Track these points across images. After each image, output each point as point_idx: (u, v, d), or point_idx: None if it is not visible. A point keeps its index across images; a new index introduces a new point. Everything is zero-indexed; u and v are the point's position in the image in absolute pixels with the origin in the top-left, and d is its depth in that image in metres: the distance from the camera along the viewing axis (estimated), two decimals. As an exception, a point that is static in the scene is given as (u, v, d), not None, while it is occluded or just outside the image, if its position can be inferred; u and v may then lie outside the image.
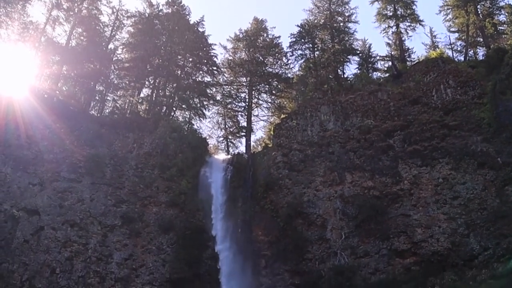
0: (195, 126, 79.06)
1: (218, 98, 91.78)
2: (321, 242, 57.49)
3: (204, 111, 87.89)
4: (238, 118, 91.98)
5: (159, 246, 59.63)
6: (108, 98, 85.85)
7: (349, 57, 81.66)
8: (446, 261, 51.42)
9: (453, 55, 76.60)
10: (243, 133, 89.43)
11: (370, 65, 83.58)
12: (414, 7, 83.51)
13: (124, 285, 56.02)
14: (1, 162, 58.88)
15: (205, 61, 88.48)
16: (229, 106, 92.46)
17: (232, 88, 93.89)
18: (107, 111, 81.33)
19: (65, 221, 57.66)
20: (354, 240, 56.21)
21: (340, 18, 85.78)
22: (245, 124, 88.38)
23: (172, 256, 58.27)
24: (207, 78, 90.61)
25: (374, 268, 53.78)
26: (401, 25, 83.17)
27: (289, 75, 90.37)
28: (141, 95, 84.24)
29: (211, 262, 58.37)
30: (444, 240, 52.45)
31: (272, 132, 74.47)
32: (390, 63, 79.91)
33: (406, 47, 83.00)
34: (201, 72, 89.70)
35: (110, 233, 58.74)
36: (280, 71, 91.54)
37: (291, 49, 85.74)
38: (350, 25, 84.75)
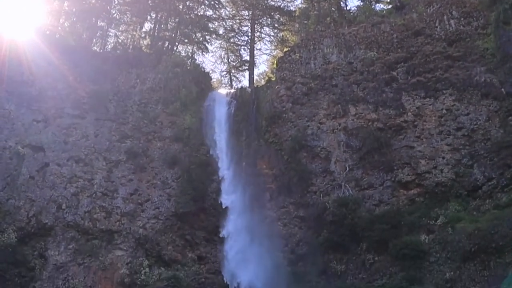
0: (197, 61, 77.88)
1: (220, 32, 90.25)
2: (325, 174, 56.93)
3: (206, 45, 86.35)
4: (240, 52, 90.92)
5: (164, 181, 59.05)
6: (110, 33, 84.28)
7: (351, -11, 79.44)
8: (450, 191, 50.84)
9: (456, -15, 74.12)
10: (246, 67, 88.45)
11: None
12: None
13: (130, 220, 55.61)
14: (4, 99, 57.82)
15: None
16: (231, 40, 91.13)
17: (234, 22, 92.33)
18: (109, 47, 79.66)
19: (70, 157, 56.90)
20: (358, 172, 55.62)
21: None
22: (248, 58, 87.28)
23: (177, 191, 57.73)
24: (209, 12, 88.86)
25: (378, 200, 53.34)
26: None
27: (291, 8, 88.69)
28: (143, 30, 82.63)
29: (216, 196, 57.98)
30: (448, 171, 51.79)
31: (275, 66, 73.20)
32: (393, -6, 77.61)
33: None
34: (203, 6, 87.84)
35: (115, 169, 58.10)
36: (283, 4, 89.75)
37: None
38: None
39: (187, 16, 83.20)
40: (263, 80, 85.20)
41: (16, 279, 49.62)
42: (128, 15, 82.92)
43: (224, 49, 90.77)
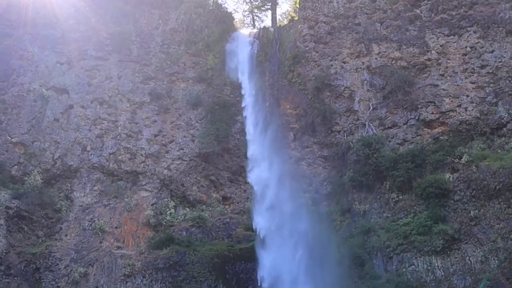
0: (219, 1, 75.59)
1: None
2: (349, 114, 55.88)
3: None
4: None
5: (188, 122, 58.41)
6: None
7: None
8: (474, 130, 49.81)
9: None
10: (268, 7, 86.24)
11: None
12: None
13: (155, 161, 55.17)
14: (28, 42, 57.00)
15: None
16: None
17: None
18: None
19: (94, 99, 56.19)
20: (382, 111, 54.45)
21: None
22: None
23: (201, 131, 57.06)
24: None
25: (402, 139, 52.26)
26: None
27: None
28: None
29: (240, 136, 57.31)
30: (472, 109, 50.51)
31: (297, 5, 71.36)
32: None
33: None
34: None
35: (138, 110, 57.35)
36: None
37: None
38: None
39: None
40: (285, 20, 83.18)
41: (43, 220, 49.90)
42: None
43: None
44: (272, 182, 52.59)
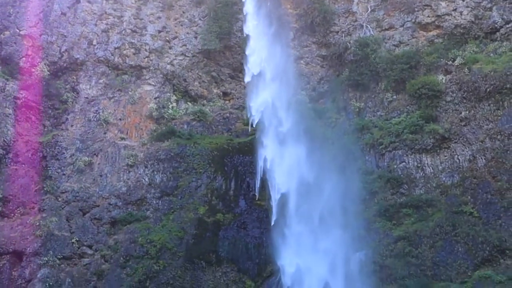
0: None
1: None
2: (347, 15, 53.57)
3: None
4: None
5: (191, 19, 55.97)
6: None
7: None
8: (469, 33, 47.77)
9: None
10: None
11: None
12: None
13: (158, 56, 53.23)
14: None
15: None
16: None
17: None
18: None
19: (99, -6, 53.61)
20: (380, 13, 52.16)
21: None
22: None
23: (203, 28, 54.64)
24: None
25: (398, 41, 50.24)
26: None
27: None
28: None
29: (241, 34, 54.86)
30: (467, 13, 48.20)
31: None
32: None
33: None
34: None
35: (143, 6, 54.74)
36: None
37: None
38: None
39: None
40: None
41: (49, 111, 49.03)
42: None
43: None
44: (273, 80, 51.06)
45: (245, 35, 54.30)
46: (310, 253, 40.57)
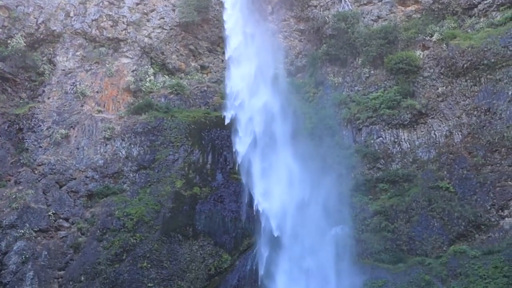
0: None
1: None
2: (326, -10, 52.06)
3: None
4: None
5: (169, -9, 53.96)
6: None
7: None
8: (447, 9, 46.45)
9: None
10: None
11: None
12: None
13: (136, 29, 51.30)
14: None
15: None
16: None
17: None
18: None
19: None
20: (358, -7, 50.95)
21: None
22: None
23: (181, 1, 52.63)
24: None
25: (377, 16, 49.06)
26: None
27: None
28: None
29: (219, 7, 53.03)
30: (446, -12, 46.93)
31: None
32: None
33: None
34: None
35: (121, -22, 52.77)
36: None
37: None
38: None
39: None
40: None
41: (26, 83, 47.44)
42: None
43: None
44: (251, 53, 49.32)
45: (223, 9, 52.61)
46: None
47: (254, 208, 40.83)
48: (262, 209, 40.60)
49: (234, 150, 44.31)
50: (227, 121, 45.99)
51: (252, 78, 47.55)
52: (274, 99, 45.50)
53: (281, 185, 41.66)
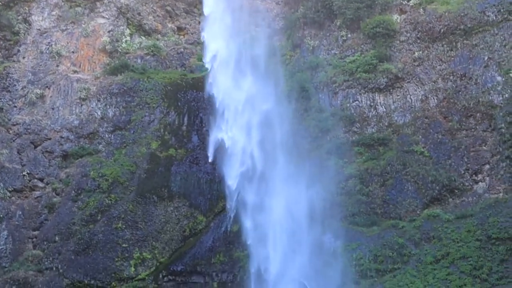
0: None
1: None
2: None
3: None
4: None
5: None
6: None
7: None
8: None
9: None
10: None
11: None
12: None
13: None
14: None
15: None
16: None
17: None
18: None
19: None
20: (336, -48, 48.61)
21: None
22: None
23: None
24: None
25: (354, -21, 46.86)
26: None
27: None
28: None
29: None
30: None
31: None
32: None
33: None
34: None
35: None
36: None
37: None
38: None
39: None
40: None
41: (1, 42, 45.18)
42: None
43: None
44: (227, 14, 47.59)
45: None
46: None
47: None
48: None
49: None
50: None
51: (227, 40, 45.99)
52: (251, 61, 43.67)
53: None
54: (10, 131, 41.16)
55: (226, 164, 39.93)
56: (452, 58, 38.99)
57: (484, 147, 35.28)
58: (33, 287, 34.64)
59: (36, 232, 37.64)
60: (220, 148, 40.92)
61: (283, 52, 46.26)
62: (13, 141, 40.66)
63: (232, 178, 39.45)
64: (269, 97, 41.21)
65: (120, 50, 46.36)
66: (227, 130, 41.69)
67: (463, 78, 37.72)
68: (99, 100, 42.99)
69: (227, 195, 38.84)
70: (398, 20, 42.50)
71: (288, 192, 36.80)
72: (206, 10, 49.04)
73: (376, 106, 40.65)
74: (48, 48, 45.12)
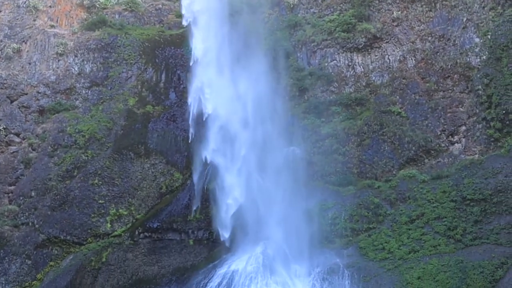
0: None
1: None
2: None
3: None
4: None
5: None
6: None
7: None
8: None
9: None
10: None
11: None
12: None
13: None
14: None
15: None
16: None
17: None
18: None
19: None
20: None
21: None
22: None
23: None
24: None
25: None
26: None
27: None
28: None
29: None
30: None
31: None
32: None
33: None
34: None
35: None
36: None
37: None
38: None
39: None
40: None
41: None
42: None
43: None
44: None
45: None
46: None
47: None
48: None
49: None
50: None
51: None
52: (230, 19, 40.76)
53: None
54: (-14, 85, 38.92)
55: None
56: (431, 19, 37.21)
57: (461, 109, 33.77)
58: (8, 241, 32.95)
59: (12, 187, 35.84)
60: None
61: (261, 10, 43.53)
62: (-11, 95, 38.42)
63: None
64: (246, 54, 38.78)
65: (97, 6, 43.91)
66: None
67: (441, 39, 36.04)
68: (76, 56, 40.79)
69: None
70: (377, -5, 40.26)
71: (265, 149, 34.99)
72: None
73: (354, 66, 38.62)
74: (25, 2, 42.81)
